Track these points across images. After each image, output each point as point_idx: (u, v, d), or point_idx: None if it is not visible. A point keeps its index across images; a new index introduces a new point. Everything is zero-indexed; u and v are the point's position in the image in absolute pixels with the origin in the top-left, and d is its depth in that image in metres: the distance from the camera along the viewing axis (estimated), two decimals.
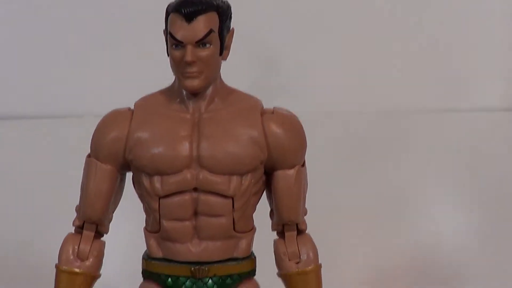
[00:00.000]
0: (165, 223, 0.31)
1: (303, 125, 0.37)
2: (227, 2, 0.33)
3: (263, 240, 0.38)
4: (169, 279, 0.33)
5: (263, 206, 0.39)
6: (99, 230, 0.33)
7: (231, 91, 0.34)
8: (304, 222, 0.35)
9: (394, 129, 1.12)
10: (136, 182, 0.32)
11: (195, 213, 0.31)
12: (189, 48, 0.30)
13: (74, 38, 1.24)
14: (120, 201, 0.37)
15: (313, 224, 0.59)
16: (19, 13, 1.26)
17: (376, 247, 0.67)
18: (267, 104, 0.40)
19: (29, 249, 0.68)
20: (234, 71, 0.39)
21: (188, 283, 0.32)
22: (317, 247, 0.40)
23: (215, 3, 0.31)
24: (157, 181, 0.31)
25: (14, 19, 1.26)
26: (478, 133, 1.11)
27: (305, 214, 0.35)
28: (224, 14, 0.32)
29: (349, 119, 1.16)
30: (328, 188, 0.80)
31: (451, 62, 1.22)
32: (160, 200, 0.31)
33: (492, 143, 1.05)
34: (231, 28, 0.32)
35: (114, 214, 0.36)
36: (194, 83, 0.31)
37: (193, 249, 0.32)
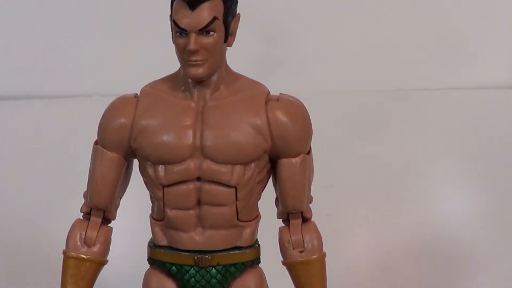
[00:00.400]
0: (169, 212, 0.32)
1: (304, 103, 0.37)
2: None
3: (270, 228, 0.38)
4: (173, 267, 0.33)
5: (270, 194, 0.38)
6: (106, 217, 0.34)
7: (237, 78, 0.34)
8: (309, 210, 0.35)
9: (398, 107, 1.10)
10: (142, 170, 0.33)
11: (199, 203, 0.32)
12: (193, 36, 0.30)
13: (83, 17, 1.24)
14: (128, 187, 0.37)
15: (316, 205, 0.60)
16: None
17: (381, 228, 0.67)
18: (268, 79, 0.40)
19: (38, 234, 0.67)
20: (236, 46, 0.39)
21: (192, 271, 0.33)
22: (322, 228, 0.41)
23: None
24: (161, 170, 0.31)
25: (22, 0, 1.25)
26: (485, 111, 1.11)
27: (311, 202, 0.34)
28: (229, 0, 0.31)
29: (351, 97, 1.15)
30: (330, 167, 0.79)
31: (457, 39, 1.20)
32: (164, 189, 0.32)
33: (499, 121, 1.04)
34: (236, 13, 0.31)
35: (122, 200, 0.36)
36: (199, 71, 0.31)
37: (197, 238, 0.33)
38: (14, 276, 0.65)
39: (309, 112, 0.37)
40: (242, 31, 0.42)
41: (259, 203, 0.35)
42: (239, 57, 0.43)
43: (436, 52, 1.21)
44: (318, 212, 0.62)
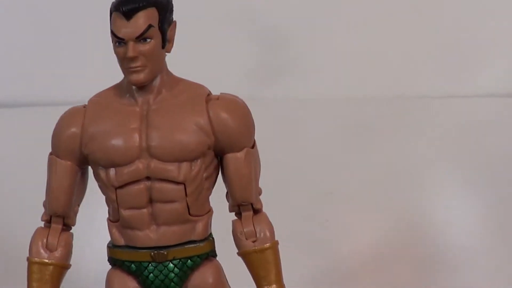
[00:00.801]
0: (123, 212, 0.33)
1: (304, 109, 0.40)
2: None
3: (225, 222, 0.39)
4: (132, 265, 0.35)
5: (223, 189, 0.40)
6: (66, 223, 0.35)
7: (178, 81, 0.35)
8: (259, 202, 0.37)
9: (398, 115, 1.09)
10: (95, 175, 0.34)
11: (150, 201, 0.33)
12: (131, 44, 0.32)
13: (82, 25, 1.21)
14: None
15: (317, 207, 0.69)
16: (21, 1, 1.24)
17: (380, 235, 0.66)
18: (271, 86, 0.43)
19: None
20: (240, 51, 0.41)
21: (150, 267, 0.34)
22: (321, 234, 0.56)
23: None
24: (112, 172, 0.33)
25: (15, 7, 1.23)
26: (485, 119, 1.08)
27: (260, 194, 0.36)
28: (164, 9, 0.33)
29: (351, 104, 1.13)
30: (329, 174, 0.80)
31: (458, 47, 1.18)
32: (117, 190, 0.33)
33: (499, 129, 1.01)
34: (173, 21, 0.33)
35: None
36: (140, 77, 0.33)
37: (152, 235, 0.34)
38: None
39: (309, 118, 0.41)
40: (245, 37, 0.45)
41: (211, 198, 0.37)
42: (241, 64, 0.46)
43: (437, 60, 1.20)
44: (318, 218, 0.67)
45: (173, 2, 0.37)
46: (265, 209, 0.42)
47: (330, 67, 1.15)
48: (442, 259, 0.60)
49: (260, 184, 0.44)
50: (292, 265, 0.49)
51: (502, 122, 1.06)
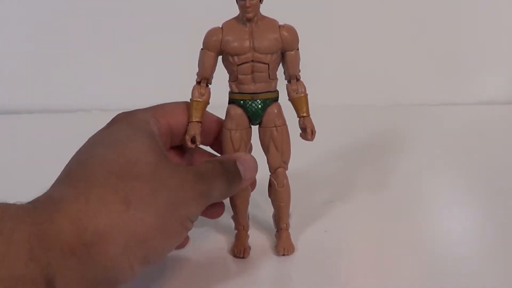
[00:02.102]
0: (239, 76, 0.57)
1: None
2: None
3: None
4: (241, 101, 0.59)
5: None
6: (208, 83, 0.59)
7: (264, 17, 0.57)
8: (299, 75, 0.59)
9: (397, 123, 1.12)
10: (225, 60, 0.57)
11: (252, 71, 0.57)
12: (247, 0, 0.55)
13: (83, 32, 1.28)
14: None
15: (316, 221, 0.69)
16: (28, 7, 1.28)
17: (380, 245, 0.65)
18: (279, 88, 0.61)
19: None
20: None
21: (249, 102, 0.59)
22: (320, 244, 0.61)
23: None
24: (235, 58, 0.57)
25: (22, 14, 1.28)
26: (485, 127, 1.09)
27: (299, 71, 0.59)
28: None
29: (350, 112, 1.20)
30: (329, 183, 0.83)
31: (457, 55, 1.25)
32: (237, 66, 0.57)
33: (499, 137, 1.02)
34: None
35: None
36: (250, 15, 0.56)
37: (252, 87, 0.58)
38: None
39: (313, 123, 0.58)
40: None
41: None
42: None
43: (436, 68, 1.26)
44: (318, 227, 0.68)
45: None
46: (264, 213, 0.67)
47: (329, 75, 1.22)
48: (442, 268, 0.58)
49: (258, 189, 0.65)
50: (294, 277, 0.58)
51: (503, 129, 1.07)
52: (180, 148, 0.62)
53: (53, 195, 0.42)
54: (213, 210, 0.59)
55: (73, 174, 0.45)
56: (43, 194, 0.44)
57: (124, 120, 0.53)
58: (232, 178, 0.53)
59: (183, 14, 1.24)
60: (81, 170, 0.44)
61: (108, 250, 0.40)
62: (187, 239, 0.61)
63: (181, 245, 0.60)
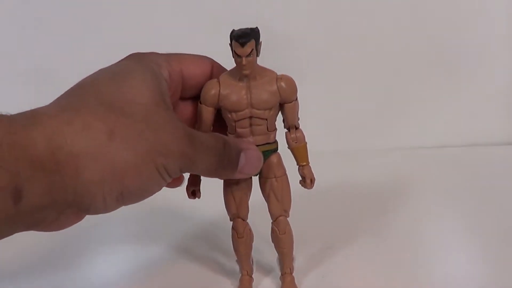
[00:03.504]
0: (238, 129, 0.57)
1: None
2: (257, 29, 0.54)
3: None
4: None
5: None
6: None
7: (262, 70, 0.56)
8: (298, 124, 0.59)
9: (397, 166, 1.11)
10: (224, 115, 0.57)
11: (250, 125, 0.57)
12: (243, 58, 0.54)
13: (86, 39, 1.22)
14: None
15: (317, 263, 0.71)
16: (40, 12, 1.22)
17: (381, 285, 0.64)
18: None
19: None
20: None
21: None
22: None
23: (253, 34, 0.53)
24: (233, 114, 0.57)
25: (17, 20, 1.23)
26: (484, 169, 1.07)
27: (299, 120, 0.59)
28: (257, 39, 0.54)
29: (352, 156, 1.18)
30: (328, 226, 0.83)
31: (452, 98, 1.23)
32: (235, 122, 0.57)
33: (500, 179, 1.00)
34: (260, 43, 0.54)
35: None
36: (246, 72, 0.55)
37: (251, 140, 0.58)
38: None
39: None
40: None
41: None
42: None
43: (433, 111, 1.23)
44: (317, 273, 0.68)
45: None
46: (267, 257, 0.67)
47: (328, 121, 1.20)
48: None
49: (261, 235, 0.66)
50: None
51: (504, 170, 1.05)
52: (193, 101, 0.60)
53: (38, 111, 0.42)
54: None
55: (66, 96, 0.44)
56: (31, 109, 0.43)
57: (135, 57, 0.52)
58: (227, 164, 0.52)
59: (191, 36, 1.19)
60: (75, 95, 0.44)
61: (81, 174, 0.40)
62: (180, 178, 0.60)
63: (176, 184, 0.59)
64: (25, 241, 0.53)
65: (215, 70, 0.58)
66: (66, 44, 1.22)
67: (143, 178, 0.43)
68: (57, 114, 0.41)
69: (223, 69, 0.58)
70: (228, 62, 0.60)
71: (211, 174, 0.51)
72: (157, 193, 0.48)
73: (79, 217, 0.44)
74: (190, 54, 0.57)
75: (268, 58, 0.62)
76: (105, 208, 0.43)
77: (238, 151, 0.52)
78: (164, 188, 0.50)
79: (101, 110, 0.42)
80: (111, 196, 0.42)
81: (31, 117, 0.40)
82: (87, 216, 0.45)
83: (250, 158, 0.54)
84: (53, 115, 0.41)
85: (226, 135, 0.58)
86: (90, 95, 0.43)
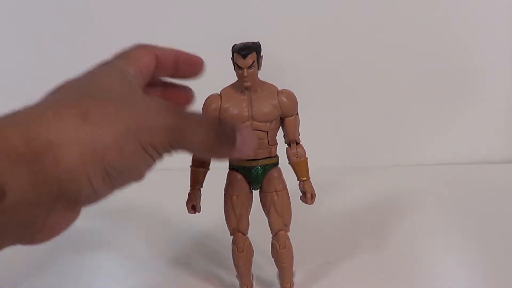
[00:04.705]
0: None
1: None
2: (259, 43, 0.56)
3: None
4: (241, 168, 0.60)
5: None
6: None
7: (263, 83, 0.58)
8: (299, 139, 0.60)
9: (395, 183, 1.11)
10: None
11: None
12: (245, 70, 0.55)
13: (87, 45, 1.21)
14: None
15: (317, 278, 0.70)
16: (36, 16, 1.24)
17: None
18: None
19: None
20: None
21: (249, 168, 0.60)
22: None
23: (254, 47, 0.55)
24: None
25: (29, 21, 1.24)
26: (483, 186, 1.07)
27: (299, 135, 0.60)
28: (258, 52, 0.56)
29: (349, 173, 1.18)
30: (328, 244, 0.82)
31: (452, 116, 1.23)
32: None
33: (498, 196, 1.00)
34: (261, 55, 0.57)
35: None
36: (248, 84, 0.57)
37: (252, 154, 0.58)
38: None
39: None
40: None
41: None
42: None
43: (431, 127, 1.23)
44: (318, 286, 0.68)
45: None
46: (267, 272, 0.67)
47: (328, 137, 1.20)
48: None
49: (261, 250, 0.66)
50: None
51: (502, 188, 1.05)
52: (153, 88, 0.54)
53: (12, 111, 0.41)
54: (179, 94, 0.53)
55: (41, 98, 0.43)
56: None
57: (102, 63, 0.50)
58: (224, 140, 0.46)
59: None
60: (48, 94, 0.43)
61: (60, 161, 0.38)
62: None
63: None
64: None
65: (158, 51, 0.51)
66: (66, 44, 1.23)
67: (126, 154, 0.41)
68: (30, 112, 0.40)
69: (164, 48, 0.52)
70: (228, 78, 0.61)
71: (207, 150, 0.46)
72: (157, 208, 0.47)
73: (72, 212, 0.42)
74: (134, 50, 0.52)
75: (272, 77, 0.63)
76: (95, 192, 0.41)
77: (233, 129, 0.47)
78: (164, 202, 0.49)
79: (73, 99, 0.41)
80: (96, 177, 0.40)
81: (4, 116, 0.40)
82: (84, 235, 0.44)
83: (247, 137, 0.49)
84: (27, 112, 0.40)
85: None
86: (65, 90, 0.43)
